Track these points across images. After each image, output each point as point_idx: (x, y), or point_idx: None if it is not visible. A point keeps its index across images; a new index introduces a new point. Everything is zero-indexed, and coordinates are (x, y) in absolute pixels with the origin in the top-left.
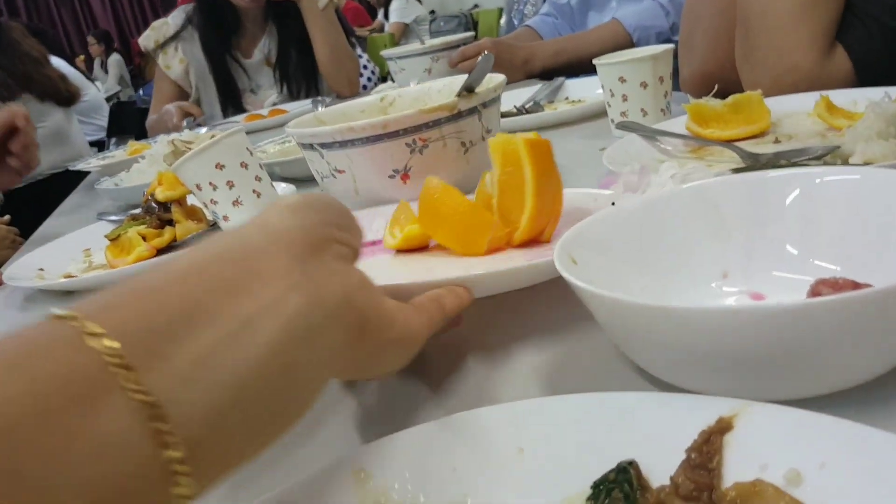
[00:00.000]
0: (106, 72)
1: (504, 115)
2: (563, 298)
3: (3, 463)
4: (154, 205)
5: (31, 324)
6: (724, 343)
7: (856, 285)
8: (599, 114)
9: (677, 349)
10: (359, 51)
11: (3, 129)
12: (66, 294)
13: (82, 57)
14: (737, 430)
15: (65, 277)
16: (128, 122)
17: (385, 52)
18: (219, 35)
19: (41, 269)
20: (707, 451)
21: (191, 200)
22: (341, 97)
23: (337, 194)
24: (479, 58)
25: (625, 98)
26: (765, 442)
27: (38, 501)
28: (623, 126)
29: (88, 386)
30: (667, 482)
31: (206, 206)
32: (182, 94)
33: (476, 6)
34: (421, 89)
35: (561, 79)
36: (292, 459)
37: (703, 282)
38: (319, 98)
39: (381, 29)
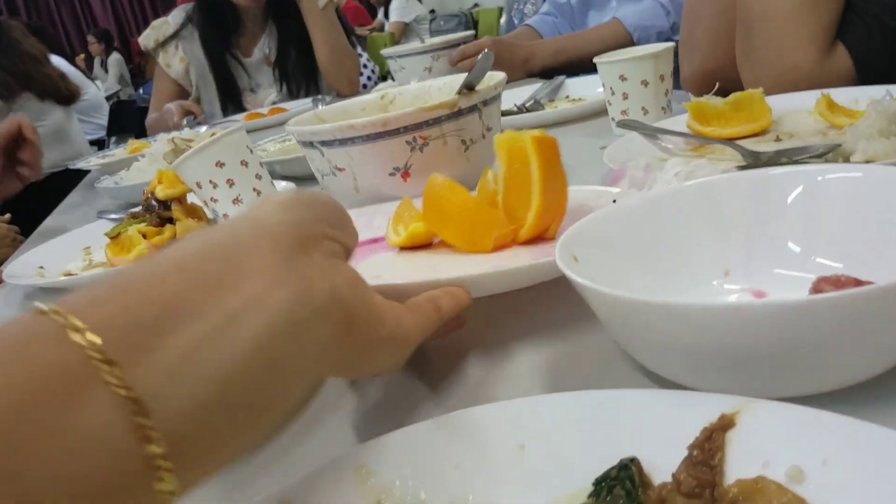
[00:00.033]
0: (106, 71)
1: (504, 113)
2: (564, 296)
3: None
4: (154, 203)
5: (15, 318)
6: (725, 340)
7: (858, 283)
8: (600, 112)
9: (679, 346)
10: (359, 50)
11: (9, 138)
12: (66, 292)
13: (82, 56)
14: (739, 426)
15: (65, 275)
16: (128, 121)
17: (385, 51)
18: (219, 34)
19: (41, 268)
20: (709, 447)
21: (191, 199)
22: (341, 96)
23: (337, 192)
24: (480, 55)
25: (625, 96)
26: (767, 439)
27: (18, 495)
28: (624, 124)
29: (71, 380)
30: (669, 479)
31: (206, 204)
32: (182, 93)
33: (476, 5)
34: (421, 87)
35: (561, 77)
36: (293, 456)
37: (704, 280)
38: (320, 97)
39: (381, 28)
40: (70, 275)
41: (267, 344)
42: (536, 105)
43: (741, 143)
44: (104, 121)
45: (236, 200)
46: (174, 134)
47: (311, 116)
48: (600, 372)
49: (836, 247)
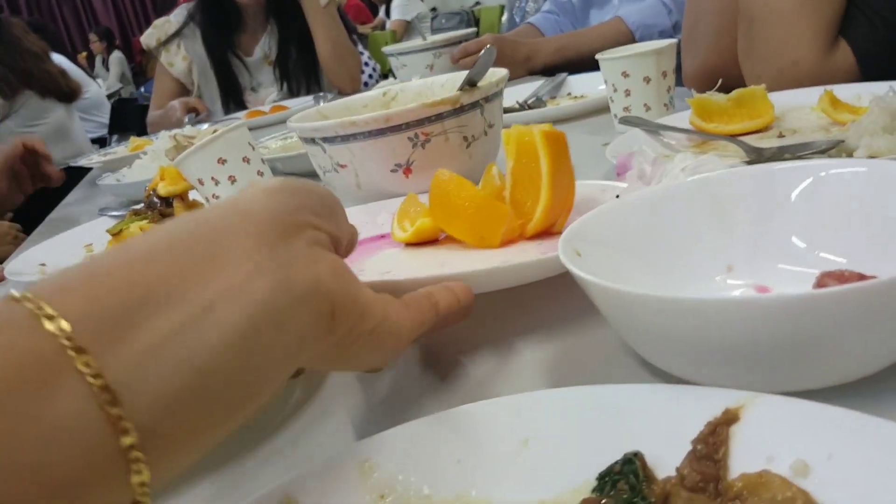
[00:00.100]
0: (107, 69)
1: (506, 110)
2: (567, 291)
3: None
4: (156, 200)
5: None
6: (729, 334)
7: (861, 277)
8: (602, 109)
9: (683, 341)
10: (360, 48)
11: (14, 158)
12: None
13: (84, 54)
14: (743, 421)
15: None
16: (129, 119)
17: (387, 49)
18: (220, 32)
19: (43, 265)
20: (713, 442)
21: (193, 195)
22: (343, 93)
23: (339, 189)
24: (482, 52)
25: (628, 93)
26: (771, 433)
27: None
28: (626, 121)
29: (44, 369)
30: (673, 473)
31: (207, 200)
32: (183, 91)
33: (478, 3)
34: (423, 84)
35: (563, 75)
36: (297, 452)
37: (707, 275)
38: (321, 94)
39: (383, 26)
40: None
41: (245, 333)
42: (538, 102)
43: (744, 139)
44: (106, 119)
45: None
46: (176, 131)
47: (313, 113)
48: (604, 367)
49: (840, 242)
